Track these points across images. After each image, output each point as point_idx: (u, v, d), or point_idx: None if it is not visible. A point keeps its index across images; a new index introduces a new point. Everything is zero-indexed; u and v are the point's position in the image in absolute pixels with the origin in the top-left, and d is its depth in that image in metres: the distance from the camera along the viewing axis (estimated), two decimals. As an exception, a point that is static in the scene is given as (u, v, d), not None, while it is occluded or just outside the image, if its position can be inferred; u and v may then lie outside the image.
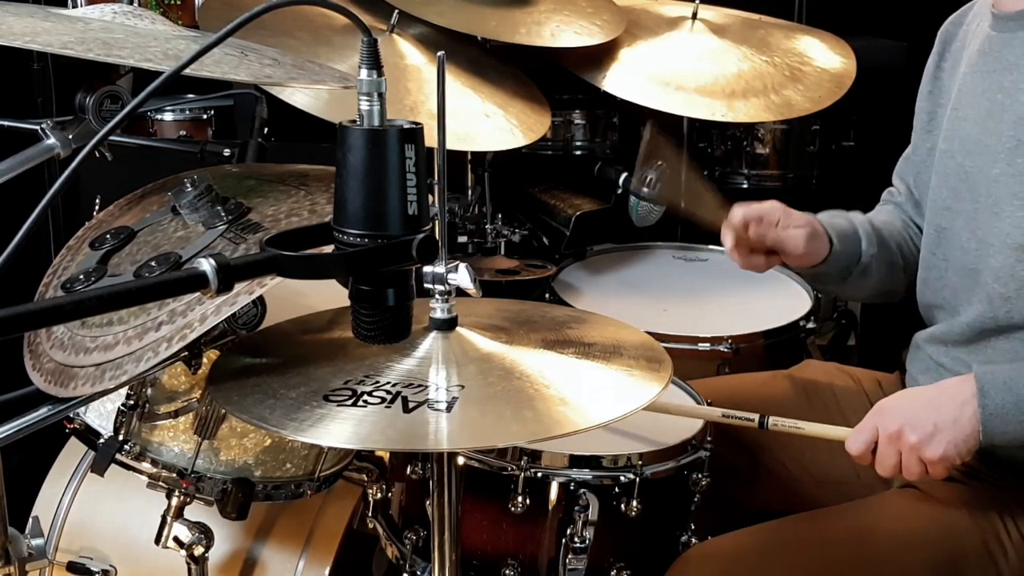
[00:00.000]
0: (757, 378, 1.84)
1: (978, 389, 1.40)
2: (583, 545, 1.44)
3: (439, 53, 1.10)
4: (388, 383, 1.13)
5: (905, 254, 1.76)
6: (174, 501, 1.47)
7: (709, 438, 1.56)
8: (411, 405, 1.09)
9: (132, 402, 1.44)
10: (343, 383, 1.13)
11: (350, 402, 1.10)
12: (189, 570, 1.49)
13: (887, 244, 1.74)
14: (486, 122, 2.13)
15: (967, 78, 1.61)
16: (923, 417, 1.41)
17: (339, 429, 1.06)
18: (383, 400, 1.10)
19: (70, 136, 1.36)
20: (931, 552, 1.47)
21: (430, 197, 1.08)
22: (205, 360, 1.37)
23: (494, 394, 1.12)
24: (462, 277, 1.13)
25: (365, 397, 1.10)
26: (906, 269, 1.76)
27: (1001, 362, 1.52)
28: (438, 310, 1.18)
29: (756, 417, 1.53)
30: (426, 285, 1.14)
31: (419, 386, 1.12)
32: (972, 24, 1.67)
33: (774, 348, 2.07)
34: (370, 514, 1.64)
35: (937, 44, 1.73)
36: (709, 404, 1.61)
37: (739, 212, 1.65)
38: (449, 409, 1.08)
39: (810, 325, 2.14)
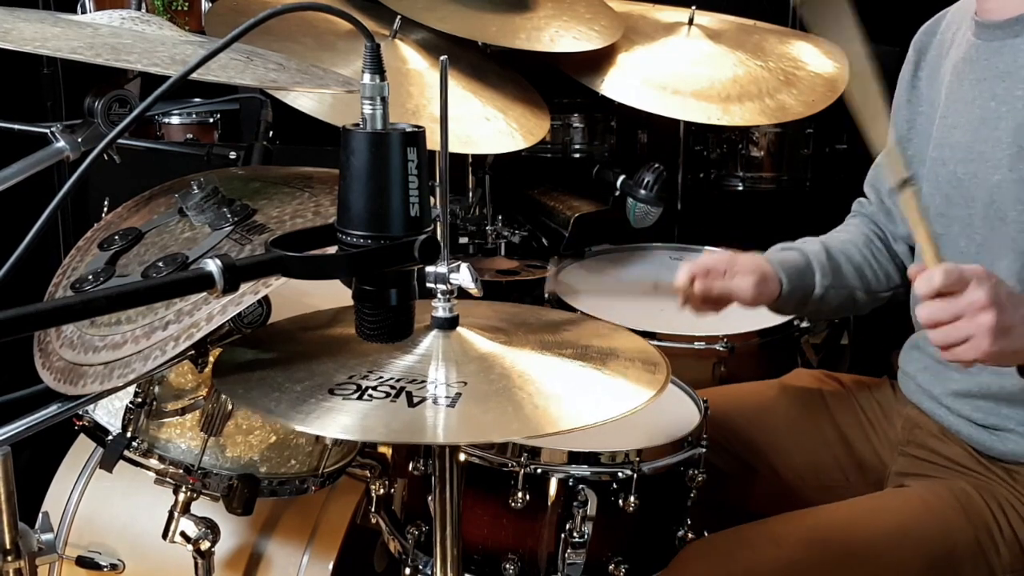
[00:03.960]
0: (749, 388, 1.86)
1: None
2: (582, 540, 1.46)
3: (442, 57, 1.11)
4: (392, 379, 1.14)
5: (865, 276, 1.77)
6: (181, 497, 1.49)
7: (705, 435, 1.58)
8: (415, 400, 1.10)
9: (140, 400, 1.46)
10: (348, 378, 1.14)
11: (355, 396, 1.11)
12: (196, 564, 1.50)
13: (842, 272, 1.75)
14: (486, 125, 2.14)
15: (953, 86, 1.63)
16: (1013, 311, 1.29)
17: (345, 421, 1.08)
18: (388, 395, 1.11)
19: (79, 139, 1.37)
20: (925, 548, 1.49)
21: (431, 199, 1.09)
22: (211, 359, 1.38)
23: (496, 391, 1.14)
24: (463, 277, 1.14)
25: (370, 391, 1.11)
26: (867, 290, 1.77)
27: None
28: (440, 309, 1.19)
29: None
30: (428, 285, 1.15)
31: (422, 382, 1.13)
32: (947, 33, 1.69)
33: (769, 347, 2.09)
34: (373, 509, 1.65)
35: (911, 53, 1.76)
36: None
37: (684, 270, 1.67)
38: (453, 405, 1.10)
39: (804, 325, 2.15)
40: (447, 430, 1.09)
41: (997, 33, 1.56)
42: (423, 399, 1.11)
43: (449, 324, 1.20)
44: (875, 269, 1.78)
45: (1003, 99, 1.53)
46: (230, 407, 1.46)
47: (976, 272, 1.29)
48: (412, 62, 2.17)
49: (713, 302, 1.70)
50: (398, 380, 1.14)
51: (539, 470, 1.47)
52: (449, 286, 1.16)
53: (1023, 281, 1.50)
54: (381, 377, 1.14)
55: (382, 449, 1.68)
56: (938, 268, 1.29)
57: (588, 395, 1.19)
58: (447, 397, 1.11)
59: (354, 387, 1.13)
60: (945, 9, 1.73)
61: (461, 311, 1.22)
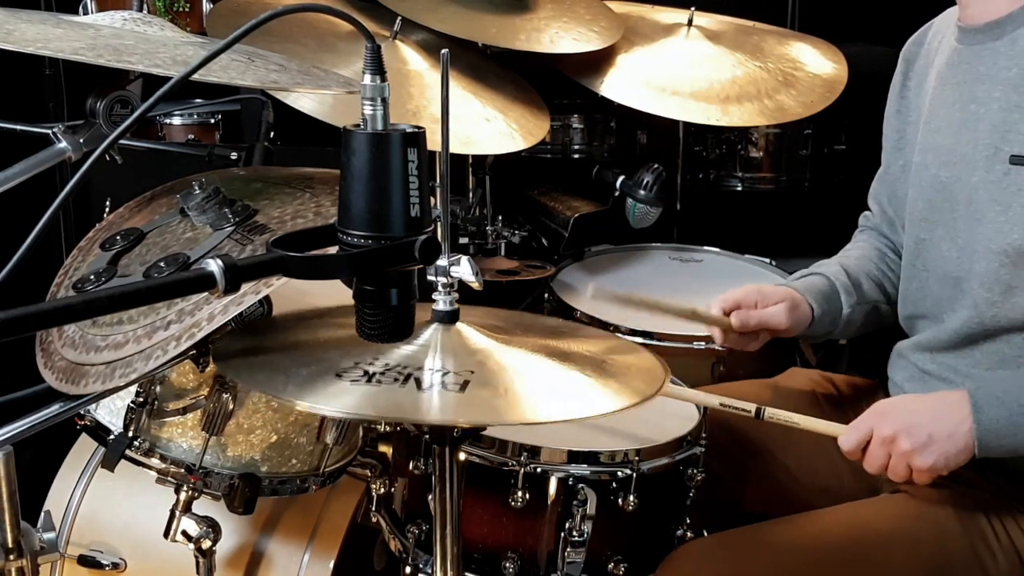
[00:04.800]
0: (743, 387, 1.86)
1: (972, 406, 1.43)
2: (581, 539, 1.46)
3: (443, 51, 1.11)
4: (398, 365, 1.14)
5: (885, 289, 1.80)
6: (182, 496, 1.49)
7: (704, 434, 1.59)
8: (424, 385, 1.10)
9: (141, 399, 1.46)
10: (353, 364, 1.14)
11: (364, 380, 1.11)
12: (197, 563, 1.50)
13: (864, 289, 1.78)
14: (487, 126, 2.15)
15: (937, 91, 1.64)
16: (919, 426, 1.44)
17: (357, 401, 1.08)
18: (396, 380, 1.11)
19: (81, 140, 1.37)
20: (919, 554, 1.49)
21: (432, 199, 1.09)
22: (212, 358, 1.39)
23: (504, 379, 1.14)
24: (464, 270, 1.15)
25: (378, 376, 1.11)
26: (889, 302, 1.79)
27: (988, 364, 1.55)
28: (441, 302, 1.19)
29: (753, 408, 1.56)
30: (429, 277, 1.15)
31: (429, 370, 1.13)
32: (934, 42, 1.70)
33: (767, 347, 2.08)
34: (373, 508, 1.66)
35: (900, 64, 1.78)
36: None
37: (716, 306, 1.72)
38: (463, 390, 1.10)
39: (803, 325, 2.16)
40: (463, 411, 1.09)
41: (978, 37, 1.57)
42: (433, 384, 1.11)
43: (450, 318, 1.20)
44: (892, 281, 1.80)
45: (982, 101, 1.55)
46: (231, 407, 1.46)
47: (874, 413, 1.49)
48: (413, 63, 2.18)
49: (751, 335, 1.74)
50: (404, 367, 1.13)
51: (539, 469, 1.48)
52: (450, 279, 1.16)
53: (1001, 282, 1.51)
54: (387, 364, 1.14)
55: (383, 448, 1.69)
56: (841, 438, 1.50)
57: (595, 387, 1.19)
58: (456, 384, 1.11)
59: (361, 372, 1.12)
60: (932, 20, 1.75)
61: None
